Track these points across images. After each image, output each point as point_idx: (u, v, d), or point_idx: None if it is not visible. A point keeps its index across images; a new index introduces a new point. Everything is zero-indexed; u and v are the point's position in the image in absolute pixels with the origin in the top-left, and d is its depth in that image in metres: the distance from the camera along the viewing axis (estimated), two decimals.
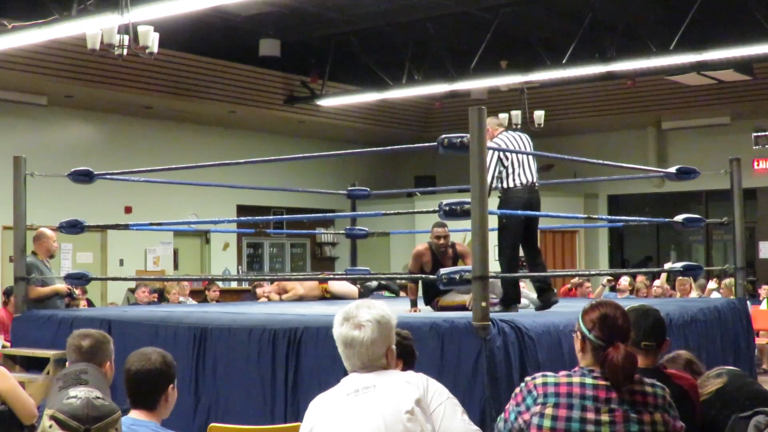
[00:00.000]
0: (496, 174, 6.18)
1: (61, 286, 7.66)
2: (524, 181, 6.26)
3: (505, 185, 6.26)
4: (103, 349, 3.73)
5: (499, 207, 6.22)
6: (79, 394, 2.40)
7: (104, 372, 3.69)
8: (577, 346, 3.04)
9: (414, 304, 6.75)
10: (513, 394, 3.05)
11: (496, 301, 6.31)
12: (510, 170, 6.25)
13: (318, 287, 9.30)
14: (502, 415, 3.09)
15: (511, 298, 6.27)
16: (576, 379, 2.94)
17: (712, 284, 11.67)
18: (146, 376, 3.23)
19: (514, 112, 14.26)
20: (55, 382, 3.16)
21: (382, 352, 2.90)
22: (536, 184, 6.37)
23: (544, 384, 2.95)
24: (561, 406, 2.90)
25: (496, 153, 6.16)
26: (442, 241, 6.64)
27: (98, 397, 2.40)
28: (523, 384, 3.02)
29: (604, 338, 2.95)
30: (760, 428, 3.56)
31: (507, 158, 6.24)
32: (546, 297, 6.40)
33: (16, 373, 6.22)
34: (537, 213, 6.47)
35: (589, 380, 2.92)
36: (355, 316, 2.89)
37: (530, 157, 6.37)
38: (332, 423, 2.82)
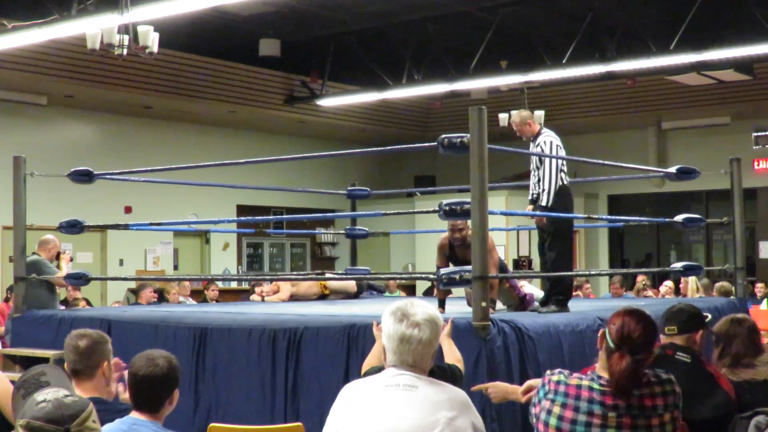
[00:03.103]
0: (558, 170, 6.26)
1: (65, 264, 7.77)
2: (568, 179, 6.43)
3: (562, 183, 6.34)
4: (100, 349, 3.71)
5: (556, 204, 6.26)
6: (47, 397, 2.36)
7: (101, 371, 3.68)
8: (598, 343, 3.07)
9: (441, 304, 6.05)
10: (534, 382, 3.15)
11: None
12: (565, 167, 6.39)
13: (317, 284, 9.33)
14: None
15: (565, 297, 6.32)
16: (585, 383, 2.95)
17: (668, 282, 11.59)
18: (153, 381, 3.23)
19: (514, 112, 14.23)
20: (16, 393, 3.13)
21: (431, 353, 2.95)
22: None
23: (558, 382, 2.98)
24: (568, 407, 2.92)
25: (560, 152, 6.30)
26: (456, 234, 6.25)
27: (67, 395, 2.38)
28: (543, 376, 3.08)
29: (615, 343, 2.96)
30: (760, 428, 3.56)
31: (562, 153, 6.37)
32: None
33: (15, 373, 6.22)
34: (535, 213, 6.48)
35: (596, 386, 2.93)
36: (413, 315, 2.91)
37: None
38: (366, 410, 2.82)
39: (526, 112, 6.83)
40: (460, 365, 3.90)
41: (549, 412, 2.94)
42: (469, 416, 2.87)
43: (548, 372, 3.06)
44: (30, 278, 7.20)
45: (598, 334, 3.07)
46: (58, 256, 7.92)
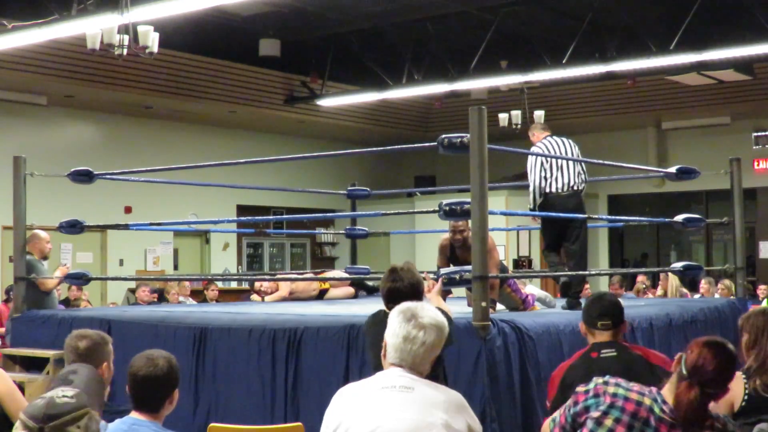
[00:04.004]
0: (539, 178, 6.47)
1: (62, 274, 7.67)
2: (562, 186, 6.50)
3: (547, 190, 6.51)
4: (100, 350, 3.71)
5: (543, 210, 6.54)
6: (52, 393, 2.40)
7: (100, 372, 3.68)
8: (673, 366, 2.97)
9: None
10: (575, 394, 2.97)
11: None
12: (549, 174, 6.49)
13: (315, 283, 9.30)
14: (557, 417, 3.03)
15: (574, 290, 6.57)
16: (647, 402, 2.85)
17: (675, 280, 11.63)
18: (153, 382, 3.23)
19: (514, 112, 14.26)
20: (50, 384, 3.17)
21: (432, 358, 2.95)
22: (578, 188, 6.58)
23: (615, 395, 2.87)
24: (621, 423, 2.84)
25: (539, 158, 6.47)
26: (457, 236, 6.33)
27: (66, 396, 2.40)
28: (592, 384, 2.94)
29: (687, 372, 2.86)
30: None
31: (547, 162, 6.50)
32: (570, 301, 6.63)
33: (15, 373, 6.22)
34: (535, 213, 6.54)
35: (657, 409, 2.83)
36: (422, 317, 2.93)
37: (571, 161, 6.56)
38: (362, 412, 2.82)
39: (533, 125, 7.07)
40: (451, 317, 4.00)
41: (599, 423, 2.86)
42: (465, 417, 2.87)
43: (601, 381, 2.94)
44: (31, 278, 7.20)
45: (675, 357, 2.97)
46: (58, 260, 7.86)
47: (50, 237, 7.85)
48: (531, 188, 6.52)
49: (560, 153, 6.54)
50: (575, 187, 6.55)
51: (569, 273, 6.56)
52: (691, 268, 6.32)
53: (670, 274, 10.47)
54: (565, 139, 6.69)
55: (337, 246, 18.02)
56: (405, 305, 2.99)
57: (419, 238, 15.90)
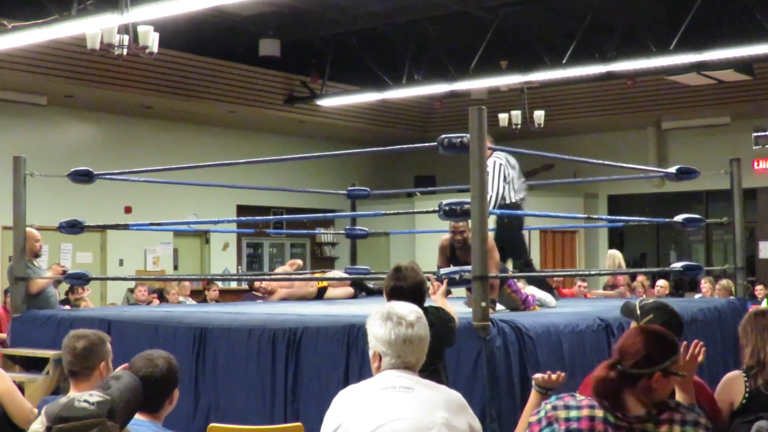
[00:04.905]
0: (500, 187, 6.84)
1: (53, 274, 7.59)
2: (520, 196, 7.02)
3: (507, 201, 6.86)
4: (97, 350, 3.70)
5: (499, 220, 6.99)
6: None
7: (99, 372, 3.67)
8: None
9: None
10: (529, 424, 2.85)
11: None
12: (510, 185, 6.92)
13: (314, 283, 9.27)
14: None
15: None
16: (599, 414, 2.76)
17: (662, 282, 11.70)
18: (153, 382, 3.22)
19: (514, 112, 14.26)
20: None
21: (427, 348, 2.98)
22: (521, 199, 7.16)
23: (567, 419, 2.77)
24: None
25: (502, 169, 6.85)
26: (457, 236, 6.31)
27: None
28: (542, 412, 2.83)
29: (613, 355, 2.82)
30: None
31: (508, 174, 6.93)
32: None
33: (15, 373, 6.22)
34: (537, 213, 6.57)
35: (611, 417, 2.74)
36: (407, 315, 2.95)
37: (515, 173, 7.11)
38: (363, 413, 2.82)
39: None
40: (455, 318, 4.21)
41: None
42: (465, 417, 2.87)
43: (548, 407, 2.83)
44: (30, 278, 7.19)
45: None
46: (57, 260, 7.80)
47: (49, 237, 7.81)
48: (491, 196, 6.77)
49: (513, 163, 7.09)
50: (521, 198, 7.09)
51: (570, 273, 6.58)
52: (691, 268, 6.31)
53: (611, 254, 10.75)
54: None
55: (337, 246, 18.02)
56: (382, 312, 2.98)
57: (419, 238, 15.90)
